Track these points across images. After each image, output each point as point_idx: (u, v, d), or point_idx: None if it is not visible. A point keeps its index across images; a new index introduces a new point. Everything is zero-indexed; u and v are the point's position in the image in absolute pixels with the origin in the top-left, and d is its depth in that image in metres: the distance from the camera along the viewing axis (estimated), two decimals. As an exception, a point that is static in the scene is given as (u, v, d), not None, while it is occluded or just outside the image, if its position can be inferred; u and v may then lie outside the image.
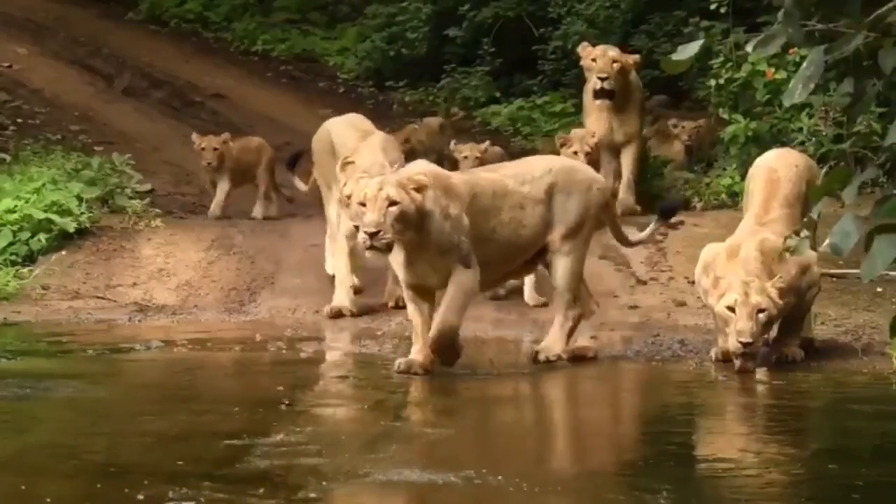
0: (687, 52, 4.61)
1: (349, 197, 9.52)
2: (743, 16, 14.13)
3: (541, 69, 17.22)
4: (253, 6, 21.22)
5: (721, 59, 13.90)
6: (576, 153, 11.55)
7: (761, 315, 8.87)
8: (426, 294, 8.68)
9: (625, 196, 13.08)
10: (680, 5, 15.99)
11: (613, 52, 13.14)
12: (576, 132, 12.41)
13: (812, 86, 4.49)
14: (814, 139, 13.03)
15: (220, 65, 19.64)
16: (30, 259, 12.01)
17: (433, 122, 14.91)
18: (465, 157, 12.35)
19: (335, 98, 18.57)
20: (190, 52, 20.16)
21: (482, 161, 11.92)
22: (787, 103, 4.79)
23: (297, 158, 12.93)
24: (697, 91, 15.02)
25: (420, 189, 8.25)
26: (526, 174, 9.03)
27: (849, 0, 4.54)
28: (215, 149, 13.72)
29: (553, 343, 9.19)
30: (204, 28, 21.21)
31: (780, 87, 12.83)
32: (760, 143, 13.06)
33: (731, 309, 8.87)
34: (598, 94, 12.98)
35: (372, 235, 8.10)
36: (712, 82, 14.00)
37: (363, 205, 8.16)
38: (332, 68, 19.60)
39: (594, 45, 13.42)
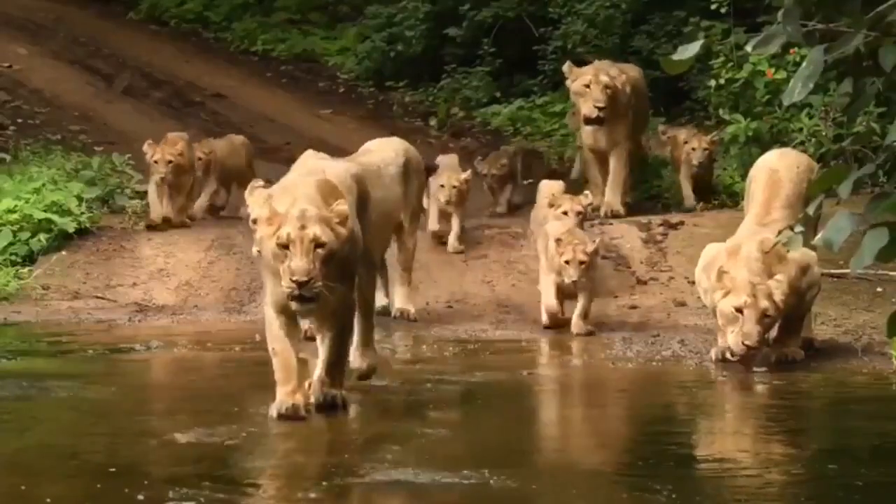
0: (687, 52, 4.62)
1: (255, 222, 9.35)
2: (743, 16, 14.12)
3: (541, 69, 17.21)
4: (253, 6, 21.22)
5: (721, 59, 13.91)
6: (566, 213, 10.64)
7: (767, 319, 8.89)
8: (296, 322, 7.40)
9: (610, 198, 12.86)
10: (680, 5, 15.98)
11: (605, 77, 12.69)
12: (564, 196, 11.11)
13: (811, 85, 4.49)
14: (813, 139, 13.03)
15: (220, 65, 19.64)
16: (30, 259, 12.00)
17: (236, 139, 14.14)
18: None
19: (335, 98, 18.57)
20: (190, 52, 20.17)
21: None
22: (786, 102, 4.79)
23: None
24: (698, 91, 15.01)
25: (344, 222, 7.04)
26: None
27: (849, -1, 4.54)
28: (168, 161, 12.71)
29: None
30: (204, 28, 21.21)
31: (781, 87, 12.83)
32: (760, 143, 13.06)
33: (739, 310, 8.87)
34: (590, 121, 12.66)
35: (302, 285, 6.86)
36: (712, 82, 14.00)
37: (285, 247, 6.92)
38: (332, 68, 19.60)
39: (579, 64, 13.17)
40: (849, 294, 10.59)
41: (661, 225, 12.19)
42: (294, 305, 6.95)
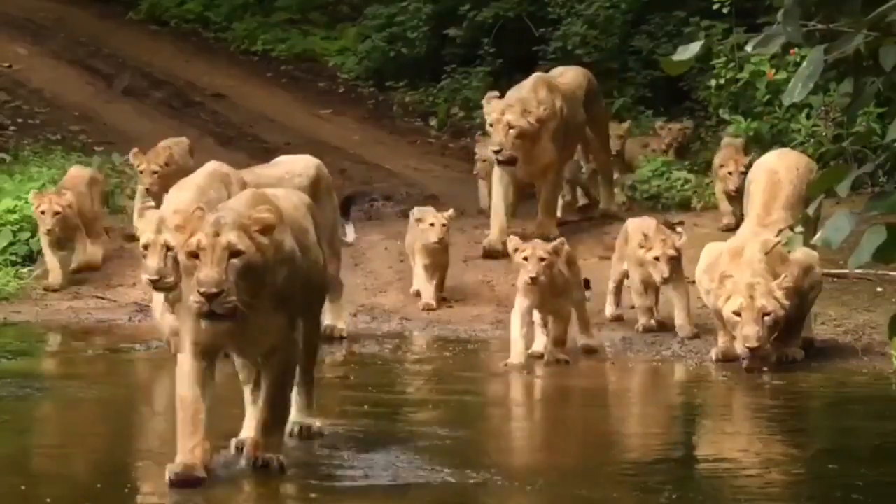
0: (687, 52, 4.61)
1: (146, 247, 8.91)
2: (744, 16, 14.13)
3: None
4: (253, 6, 21.21)
5: (722, 59, 13.91)
6: (526, 259, 9.38)
7: (767, 318, 8.88)
8: (213, 367, 6.30)
9: (543, 219, 11.93)
10: (680, 5, 15.98)
11: (511, 115, 11.54)
12: (534, 243, 9.65)
13: (811, 85, 4.49)
14: (813, 139, 13.04)
15: (220, 65, 19.64)
16: (30, 259, 12.00)
17: (184, 141, 13.07)
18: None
19: (335, 98, 18.57)
20: (190, 52, 20.16)
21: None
22: (786, 102, 4.79)
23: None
24: (698, 91, 15.02)
25: (266, 231, 6.06)
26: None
27: (849, -1, 4.54)
28: (154, 172, 12.03)
29: None
30: (204, 28, 21.20)
31: (781, 87, 12.83)
32: (760, 144, 13.06)
33: (738, 313, 8.88)
34: (499, 163, 11.66)
35: (211, 298, 5.88)
36: (713, 82, 14.01)
37: (194, 256, 5.98)
38: (332, 68, 19.59)
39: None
40: (849, 294, 10.59)
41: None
42: (203, 324, 5.98)
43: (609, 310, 10.41)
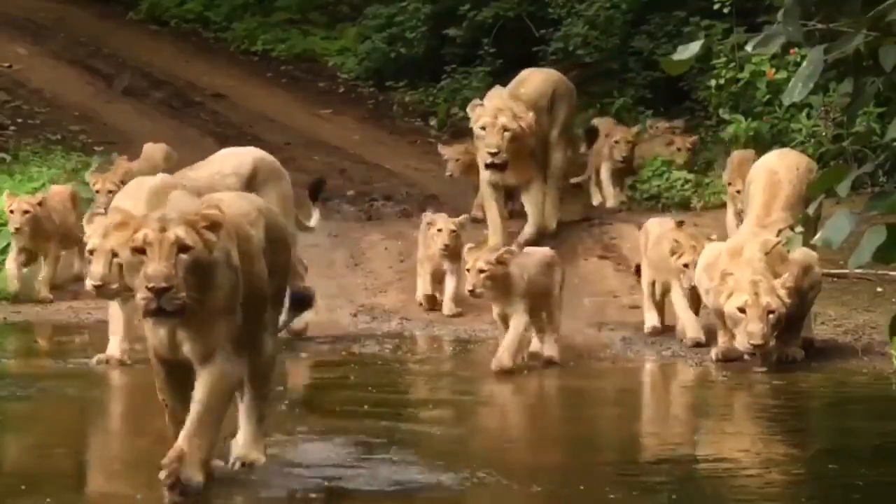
0: (687, 52, 4.61)
1: (91, 252, 8.69)
2: (744, 15, 14.13)
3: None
4: (253, 6, 21.20)
5: (722, 59, 13.91)
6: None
7: (771, 316, 8.89)
8: (185, 378, 6.09)
9: (529, 231, 11.76)
10: (680, 5, 15.97)
11: (504, 118, 11.40)
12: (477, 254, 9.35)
13: (811, 84, 4.49)
14: (813, 139, 13.04)
15: (220, 65, 19.63)
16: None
17: (156, 150, 12.82)
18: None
19: (335, 98, 18.56)
20: (190, 52, 20.15)
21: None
22: (786, 102, 4.79)
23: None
24: (698, 91, 15.02)
25: (214, 227, 5.85)
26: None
27: (849, 0, 4.54)
28: (109, 192, 11.52)
29: None
30: (204, 28, 21.19)
31: (781, 87, 12.83)
32: (760, 144, 13.06)
33: (742, 310, 8.88)
34: (490, 167, 11.45)
35: (160, 293, 5.67)
36: (713, 82, 14.01)
37: (140, 251, 5.75)
38: (332, 68, 19.58)
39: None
40: (849, 294, 10.59)
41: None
42: (151, 321, 5.80)
43: (650, 320, 10.14)
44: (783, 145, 12.21)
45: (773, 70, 13.46)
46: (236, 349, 6.00)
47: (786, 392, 8.62)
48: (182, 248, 5.74)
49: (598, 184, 13.68)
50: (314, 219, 10.71)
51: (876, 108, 12.11)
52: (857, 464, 6.74)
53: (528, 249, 9.87)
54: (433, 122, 17.51)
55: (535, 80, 12.37)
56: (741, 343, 8.91)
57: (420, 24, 18.20)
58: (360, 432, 7.32)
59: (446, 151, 13.21)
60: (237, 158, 9.77)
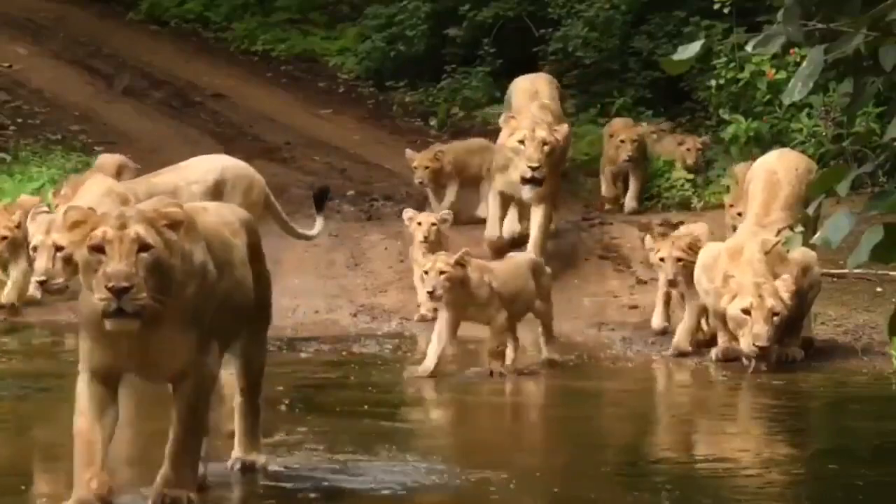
0: (687, 52, 4.61)
1: (35, 249, 8.63)
2: (744, 15, 14.13)
3: (542, 69, 17.20)
4: (253, 6, 21.20)
5: (723, 59, 13.91)
6: (427, 273, 9.05)
7: (775, 318, 8.90)
8: (111, 399, 5.78)
9: (540, 239, 11.34)
10: (680, 5, 15.97)
11: (543, 132, 11.14)
12: (437, 255, 9.20)
13: (811, 84, 4.49)
14: (813, 139, 13.04)
15: (220, 65, 19.63)
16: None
17: (109, 160, 12.49)
18: None
19: (335, 98, 18.56)
20: (190, 52, 20.16)
21: None
22: (786, 102, 4.79)
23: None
24: (698, 92, 15.02)
25: (175, 226, 5.59)
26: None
27: (849, 0, 4.54)
28: (4, 237, 11.06)
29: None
30: (204, 28, 21.19)
31: (781, 87, 12.83)
32: (761, 144, 13.06)
33: (747, 311, 8.88)
34: (528, 181, 11.08)
35: (120, 293, 5.36)
36: (713, 82, 14.01)
37: (99, 249, 5.44)
38: (332, 68, 19.59)
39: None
40: (849, 294, 10.59)
41: (661, 225, 12.19)
42: (109, 324, 5.41)
43: (658, 321, 10.09)
44: (783, 145, 12.21)
45: (773, 70, 13.46)
46: (207, 361, 5.74)
47: (786, 392, 8.62)
48: (142, 246, 5.44)
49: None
50: (317, 227, 10.57)
51: (876, 108, 12.11)
52: (857, 464, 6.74)
53: (509, 255, 9.85)
54: (433, 122, 17.51)
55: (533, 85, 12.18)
56: (746, 345, 8.90)
57: (420, 22, 18.20)
58: (360, 432, 7.32)
59: (415, 158, 12.95)
60: (203, 167, 9.66)
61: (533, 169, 10.98)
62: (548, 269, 9.53)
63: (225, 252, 5.91)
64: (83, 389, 5.72)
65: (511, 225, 11.82)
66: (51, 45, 19.93)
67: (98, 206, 7.33)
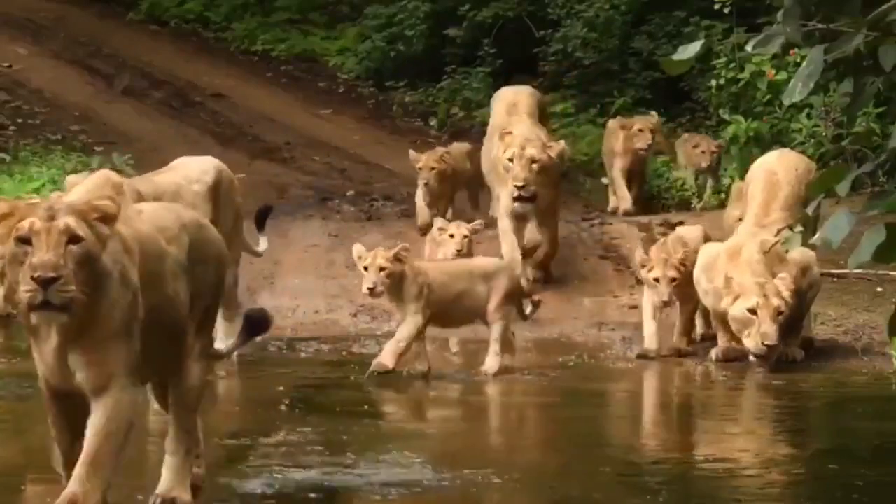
0: (687, 52, 4.61)
1: None
2: (744, 15, 14.14)
3: (542, 70, 17.21)
4: (253, 6, 21.20)
5: (723, 59, 13.92)
6: (366, 269, 9.00)
7: (780, 317, 8.91)
8: (78, 412, 5.38)
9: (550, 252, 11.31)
10: (680, 5, 15.99)
11: (532, 150, 10.94)
12: (376, 251, 9.10)
13: (812, 84, 4.49)
14: (813, 139, 13.05)
15: (220, 65, 19.63)
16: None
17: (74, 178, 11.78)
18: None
19: (335, 98, 18.56)
20: (190, 52, 20.15)
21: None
22: (787, 102, 4.79)
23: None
24: (698, 92, 15.03)
25: (107, 220, 5.27)
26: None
27: (849, 0, 4.54)
28: None
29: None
30: (204, 28, 21.19)
31: (781, 87, 12.84)
32: (761, 144, 13.07)
33: (753, 311, 8.88)
34: (517, 199, 10.93)
35: (46, 284, 5.05)
36: (713, 83, 14.01)
37: (26, 241, 5.15)
38: (332, 68, 19.59)
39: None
40: (849, 294, 10.59)
41: (661, 225, 12.19)
42: (35, 317, 5.11)
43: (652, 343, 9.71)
44: (783, 145, 12.21)
45: (774, 70, 13.47)
46: (134, 378, 5.33)
47: (786, 392, 8.62)
48: (72, 237, 5.13)
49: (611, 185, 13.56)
50: (262, 245, 10.12)
51: (876, 108, 12.11)
52: (857, 464, 6.74)
53: (476, 258, 9.71)
54: (433, 122, 17.52)
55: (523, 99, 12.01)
56: (754, 345, 8.89)
57: (420, 22, 18.20)
58: (360, 432, 7.32)
59: (421, 159, 12.58)
60: (201, 167, 9.44)
61: (519, 188, 10.85)
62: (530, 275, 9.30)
63: (157, 263, 5.52)
64: (47, 395, 5.44)
65: (531, 234, 11.61)
66: (51, 45, 19.93)
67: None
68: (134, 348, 5.30)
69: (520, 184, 10.83)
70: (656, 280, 9.47)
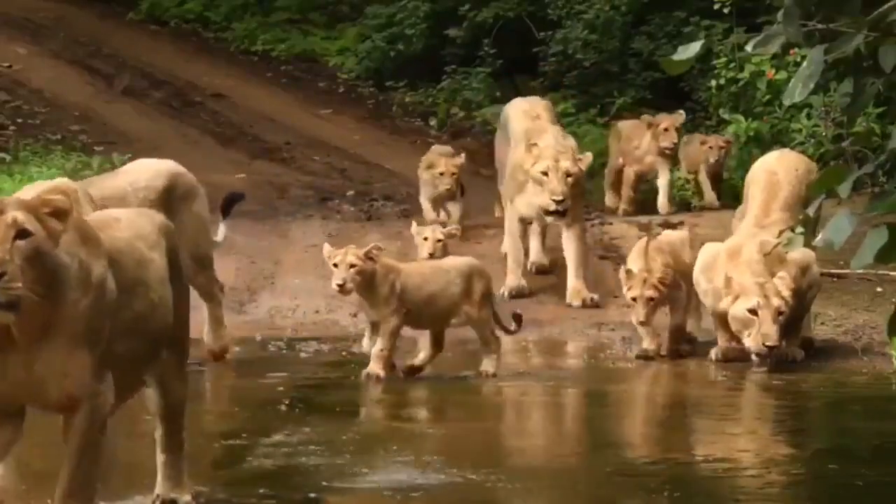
0: (687, 52, 4.61)
1: None
2: (744, 15, 14.14)
3: (542, 70, 17.21)
4: (253, 6, 21.20)
5: (723, 59, 13.92)
6: (336, 266, 8.92)
7: (781, 317, 8.91)
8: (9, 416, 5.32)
9: (577, 284, 10.92)
10: (680, 6, 15.99)
11: (567, 161, 10.84)
12: (347, 248, 9.04)
13: (812, 85, 4.49)
14: (813, 139, 13.05)
15: (220, 65, 19.63)
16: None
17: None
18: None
19: (335, 98, 18.57)
20: (190, 52, 20.16)
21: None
22: (787, 102, 4.79)
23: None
24: (698, 92, 15.03)
25: (61, 216, 5.05)
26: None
27: (849, 0, 4.54)
28: None
29: None
30: (204, 28, 21.20)
31: (781, 87, 12.84)
32: (761, 144, 13.07)
33: (753, 312, 8.88)
34: (552, 213, 10.82)
35: None
36: (713, 83, 14.01)
37: None
38: (332, 68, 19.59)
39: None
40: (849, 294, 10.59)
41: (660, 225, 12.19)
42: None
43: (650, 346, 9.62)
44: (783, 145, 12.22)
45: (773, 70, 13.47)
46: (102, 389, 5.16)
47: (786, 392, 8.62)
48: (20, 232, 4.89)
49: (612, 185, 13.52)
50: (220, 233, 9.81)
51: (876, 109, 12.11)
52: (857, 464, 6.74)
53: (447, 258, 9.60)
54: (433, 122, 17.52)
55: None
56: (755, 345, 8.89)
57: (420, 23, 18.20)
58: (359, 432, 7.32)
59: (440, 164, 12.42)
60: (151, 172, 9.16)
61: (557, 202, 10.74)
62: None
63: (139, 270, 5.38)
64: None
65: (537, 257, 11.60)
66: (51, 45, 19.93)
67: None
68: (100, 350, 5.09)
69: (559, 198, 10.70)
70: (634, 300, 9.39)
